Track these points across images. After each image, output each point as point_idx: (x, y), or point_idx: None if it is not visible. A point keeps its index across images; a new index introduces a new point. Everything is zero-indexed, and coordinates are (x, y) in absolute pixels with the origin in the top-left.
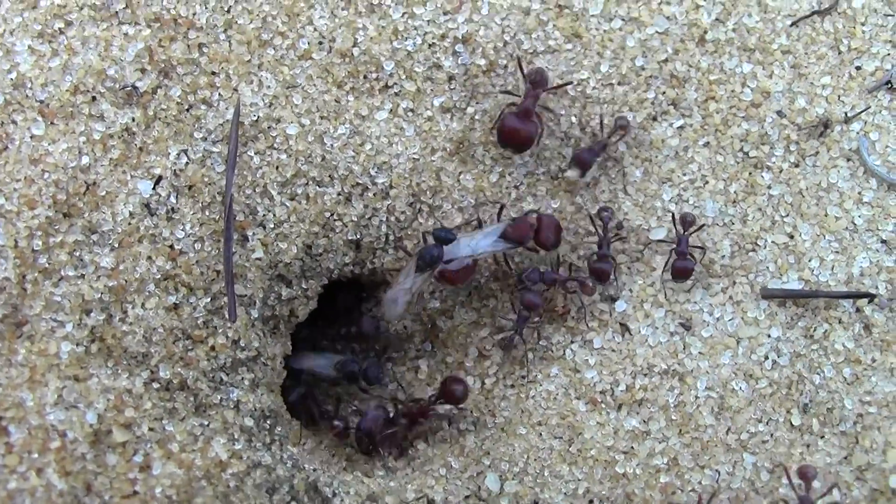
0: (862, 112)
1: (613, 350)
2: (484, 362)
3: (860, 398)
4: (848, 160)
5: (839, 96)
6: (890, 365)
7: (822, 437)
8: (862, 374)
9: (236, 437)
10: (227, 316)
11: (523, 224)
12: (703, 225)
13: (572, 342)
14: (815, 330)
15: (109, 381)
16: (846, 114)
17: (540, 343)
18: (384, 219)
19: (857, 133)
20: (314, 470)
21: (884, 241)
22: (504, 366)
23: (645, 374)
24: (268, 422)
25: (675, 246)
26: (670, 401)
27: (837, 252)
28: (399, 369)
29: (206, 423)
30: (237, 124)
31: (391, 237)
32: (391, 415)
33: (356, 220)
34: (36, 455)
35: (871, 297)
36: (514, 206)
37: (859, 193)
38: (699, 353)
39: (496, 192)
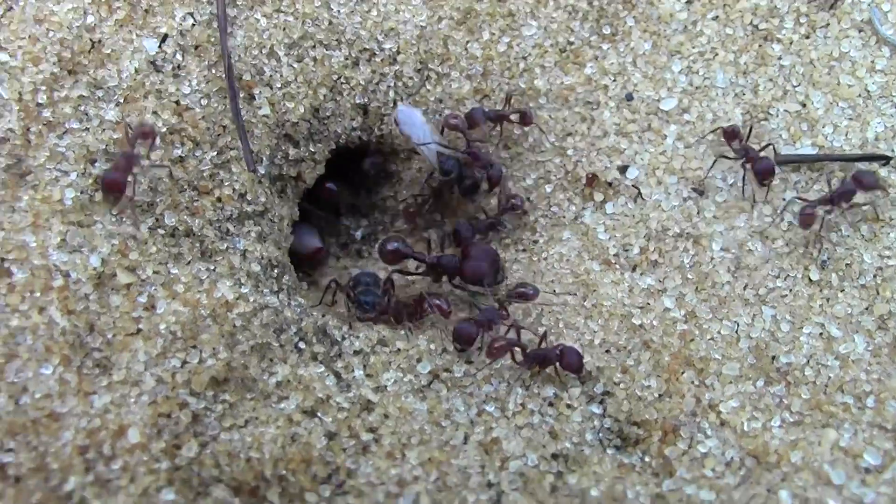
0: None
1: (626, 215)
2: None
3: (879, 253)
4: (860, 31)
5: None
6: None
7: (842, 290)
8: (880, 230)
9: (243, 281)
10: (233, 170)
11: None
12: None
13: (584, 208)
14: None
15: (114, 227)
16: None
17: (551, 210)
18: (392, 84)
19: (869, 4)
20: (323, 315)
21: None
22: (515, 231)
23: (658, 238)
24: (275, 271)
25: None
26: (685, 261)
27: (851, 118)
28: (409, 240)
29: (211, 267)
30: None
31: (399, 103)
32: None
33: (363, 84)
34: (38, 294)
35: (886, 160)
36: (523, 76)
37: (872, 62)
38: (713, 216)
39: (504, 61)
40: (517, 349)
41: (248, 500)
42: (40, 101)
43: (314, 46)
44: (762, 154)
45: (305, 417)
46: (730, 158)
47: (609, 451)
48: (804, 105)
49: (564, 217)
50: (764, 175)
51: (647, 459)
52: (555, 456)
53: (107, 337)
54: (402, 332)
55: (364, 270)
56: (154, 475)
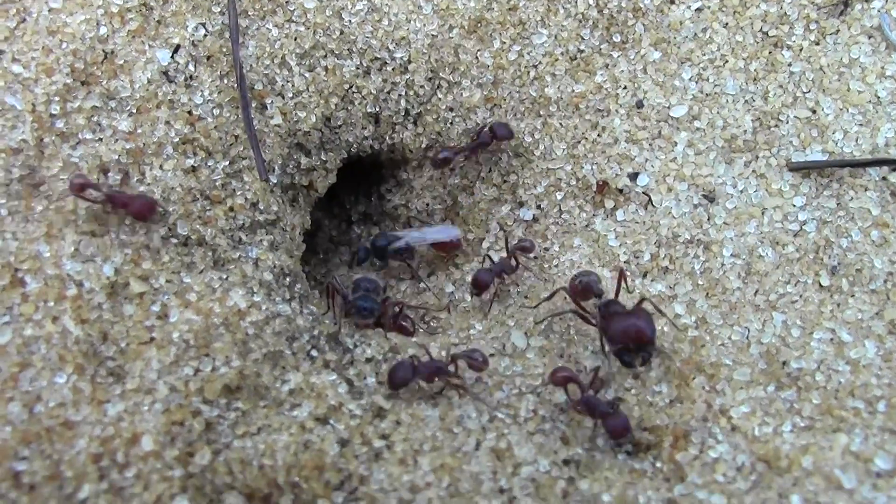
0: None
1: (637, 222)
2: (506, 237)
3: (889, 258)
4: (869, 37)
5: None
6: None
7: (853, 295)
8: (889, 236)
9: (255, 290)
10: (245, 179)
11: None
12: None
13: (594, 216)
14: (840, 198)
15: (127, 237)
16: None
17: (562, 217)
18: (403, 93)
19: (879, 10)
20: (335, 324)
21: None
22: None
23: (669, 245)
24: (287, 279)
25: None
26: (696, 268)
27: (861, 124)
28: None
29: (224, 276)
30: None
31: (410, 112)
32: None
33: (375, 93)
34: (52, 303)
35: None
36: (533, 84)
37: (882, 68)
38: (724, 223)
39: (515, 70)
40: (576, 384)
41: None
42: (53, 112)
43: (325, 56)
44: None
45: (318, 424)
46: None
47: (620, 457)
48: (814, 111)
49: (575, 224)
50: None
51: (658, 465)
52: (566, 462)
53: (120, 346)
54: (413, 340)
55: (365, 276)
56: (167, 483)
